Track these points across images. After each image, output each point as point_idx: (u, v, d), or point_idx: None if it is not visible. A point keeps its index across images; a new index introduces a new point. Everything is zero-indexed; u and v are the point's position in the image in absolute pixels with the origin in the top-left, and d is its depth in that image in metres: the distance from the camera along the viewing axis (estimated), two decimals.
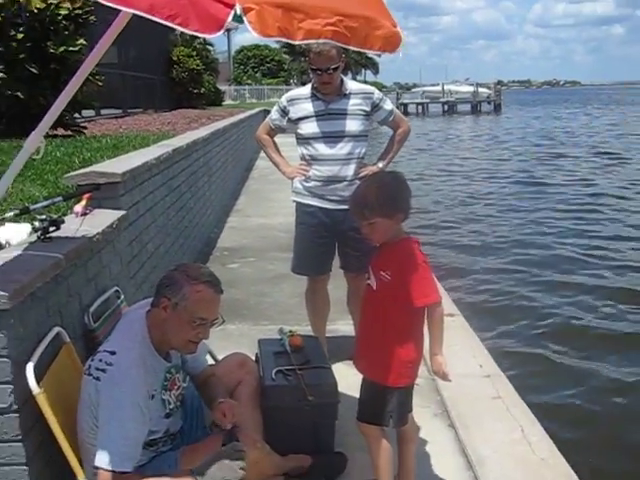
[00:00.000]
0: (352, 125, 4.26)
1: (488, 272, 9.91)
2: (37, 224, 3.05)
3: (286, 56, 74.83)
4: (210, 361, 3.46)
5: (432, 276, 2.90)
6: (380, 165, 4.46)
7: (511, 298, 8.70)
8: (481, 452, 3.51)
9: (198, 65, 24.24)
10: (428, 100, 74.39)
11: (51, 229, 3.06)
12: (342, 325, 5.19)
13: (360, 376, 3.08)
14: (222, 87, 35.20)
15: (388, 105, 4.44)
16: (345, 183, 4.26)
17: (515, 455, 3.49)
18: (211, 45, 31.44)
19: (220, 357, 3.54)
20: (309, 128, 4.28)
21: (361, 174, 4.25)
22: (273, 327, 4.67)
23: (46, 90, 8.15)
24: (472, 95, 73.45)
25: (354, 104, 4.28)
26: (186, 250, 6.73)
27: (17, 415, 2.47)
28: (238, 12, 1.85)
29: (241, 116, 16.77)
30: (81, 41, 8.82)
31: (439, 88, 77.06)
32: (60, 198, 3.60)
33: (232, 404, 2.93)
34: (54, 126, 8.20)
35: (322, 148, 4.25)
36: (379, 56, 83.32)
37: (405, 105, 65.75)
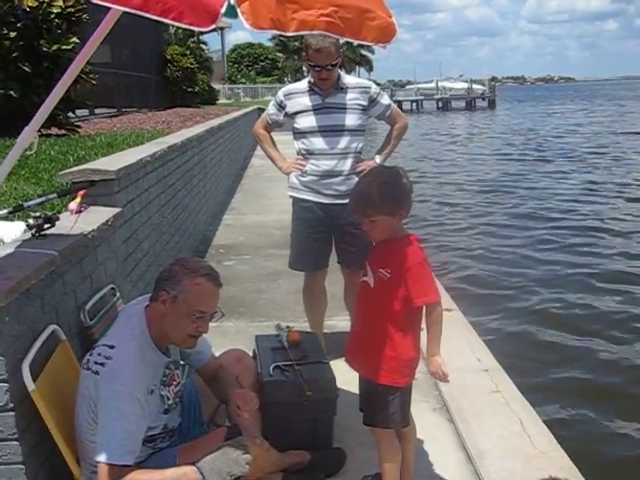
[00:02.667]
0: (349, 119, 4.23)
1: (486, 268, 9.92)
2: (31, 221, 3.04)
3: (280, 54, 74.76)
4: None
5: (432, 275, 2.85)
6: (378, 160, 4.44)
7: (509, 292, 8.72)
8: (480, 446, 3.50)
9: (192, 64, 24.20)
10: (422, 97, 74.39)
11: (46, 226, 3.04)
12: (339, 321, 5.17)
13: (357, 372, 3.05)
14: (216, 86, 35.14)
15: (385, 100, 4.42)
16: (342, 177, 4.25)
17: (514, 448, 3.48)
18: (205, 44, 31.49)
19: (217, 354, 3.52)
20: (306, 122, 4.26)
21: (358, 169, 4.23)
22: (270, 324, 4.66)
23: (39, 89, 8.12)
24: (466, 92, 73.51)
25: (351, 98, 4.26)
26: (181, 248, 6.70)
27: (13, 413, 2.45)
28: (232, 2, 1.83)
29: (236, 114, 16.74)
30: (74, 39, 8.77)
31: (433, 85, 77.18)
32: (55, 195, 3.59)
33: (243, 393, 2.90)
34: (48, 125, 8.19)
35: (319, 142, 4.23)
36: (373, 53, 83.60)
37: (399, 102, 65.66)
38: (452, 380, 3.98)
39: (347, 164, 4.25)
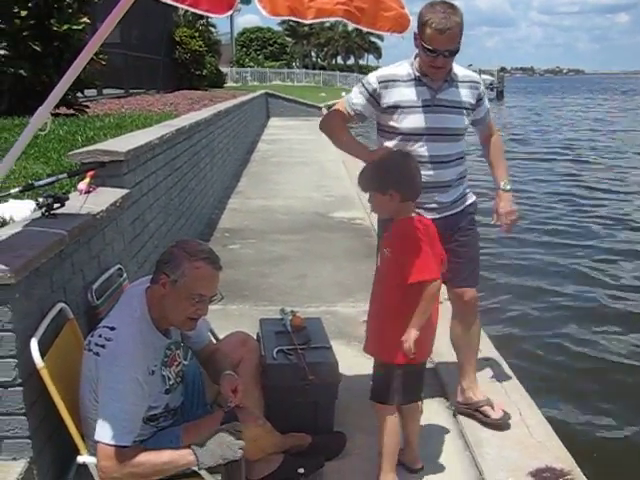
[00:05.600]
0: (460, 121, 3.48)
1: (488, 258, 9.92)
2: (41, 200, 3.07)
3: (289, 39, 74.54)
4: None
5: (427, 253, 2.87)
6: (508, 187, 3.71)
7: (514, 281, 8.70)
8: (479, 434, 3.54)
9: (200, 46, 24.16)
10: None
11: (55, 206, 3.07)
12: (342, 307, 5.21)
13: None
14: (224, 69, 35.09)
15: (487, 101, 3.65)
16: (446, 188, 3.51)
17: (512, 438, 3.52)
18: (213, 26, 31.35)
19: (221, 336, 3.56)
20: (411, 121, 3.38)
21: (500, 209, 3.67)
22: (273, 308, 4.68)
23: (49, 68, 8.13)
24: None
25: (463, 95, 3.47)
26: (187, 231, 6.74)
27: (21, 389, 2.49)
28: None
29: (243, 98, 16.73)
30: (84, 19, 8.80)
31: None
32: (65, 175, 3.61)
33: (229, 384, 2.90)
34: (56, 105, 8.19)
35: (426, 147, 3.39)
36: (382, 40, 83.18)
37: None
38: (452, 370, 4.05)
39: (454, 173, 3.52)
